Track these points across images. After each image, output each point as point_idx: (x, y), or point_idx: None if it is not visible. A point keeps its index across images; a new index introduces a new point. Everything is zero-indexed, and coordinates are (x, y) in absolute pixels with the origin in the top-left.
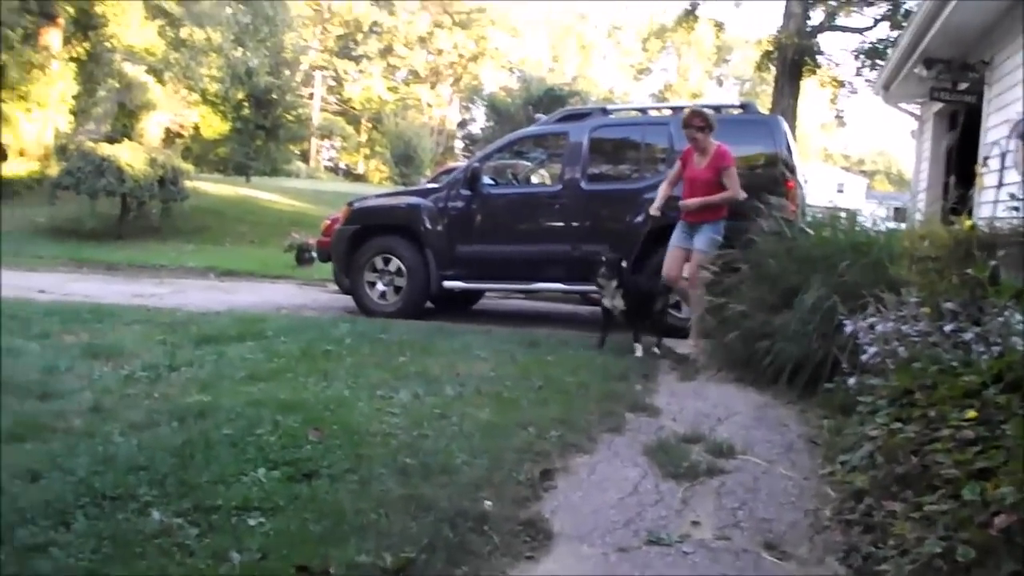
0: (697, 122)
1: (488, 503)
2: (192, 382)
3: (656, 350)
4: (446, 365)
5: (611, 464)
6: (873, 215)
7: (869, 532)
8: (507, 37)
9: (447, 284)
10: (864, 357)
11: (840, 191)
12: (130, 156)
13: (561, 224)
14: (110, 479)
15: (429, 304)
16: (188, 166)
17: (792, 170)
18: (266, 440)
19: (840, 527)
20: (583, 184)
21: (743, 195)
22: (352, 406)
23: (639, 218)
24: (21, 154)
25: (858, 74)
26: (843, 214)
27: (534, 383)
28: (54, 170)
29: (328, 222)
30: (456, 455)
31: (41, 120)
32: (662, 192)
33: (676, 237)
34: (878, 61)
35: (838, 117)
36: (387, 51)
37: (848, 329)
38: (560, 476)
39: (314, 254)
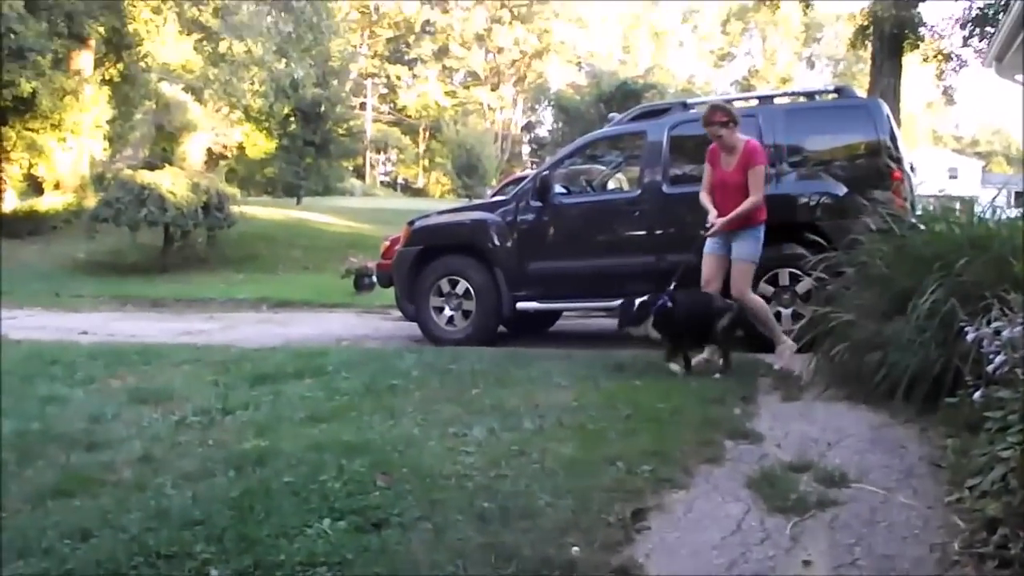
0: (719, 118)
1: (575, 549)
2: (248, 426)
3: (718, 370)
4: (523, 396)
5: (710, 499)
6: (992, 203)
7: (1005, 567)
8: (573, 29)
9: (520, 305)
10: (990, 367)
11: (953, 177)
12: (171, 182)
13: (642, 233)
14: (164, 535)
15: (502, 328)
16: (234, 189)
17: (897, 159)
18: (330, 487)
19: (972, 562)
20: (665, 188)
21: (760, 200)
22: (422, 446)
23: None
24: (57, 187)
25: (966, 45)
26: (958, 204)
27: (621, 412)
28: (92, 201)
29: (387, 243)
30: (538, 497)
31: (76, 149)
32: (706, 204)
33: (711, 243)
34: (988, 29)
35: (946, 94)
36: (442, 52)
37: (970, 336)
38: (654, 516)
39: (374, 279)
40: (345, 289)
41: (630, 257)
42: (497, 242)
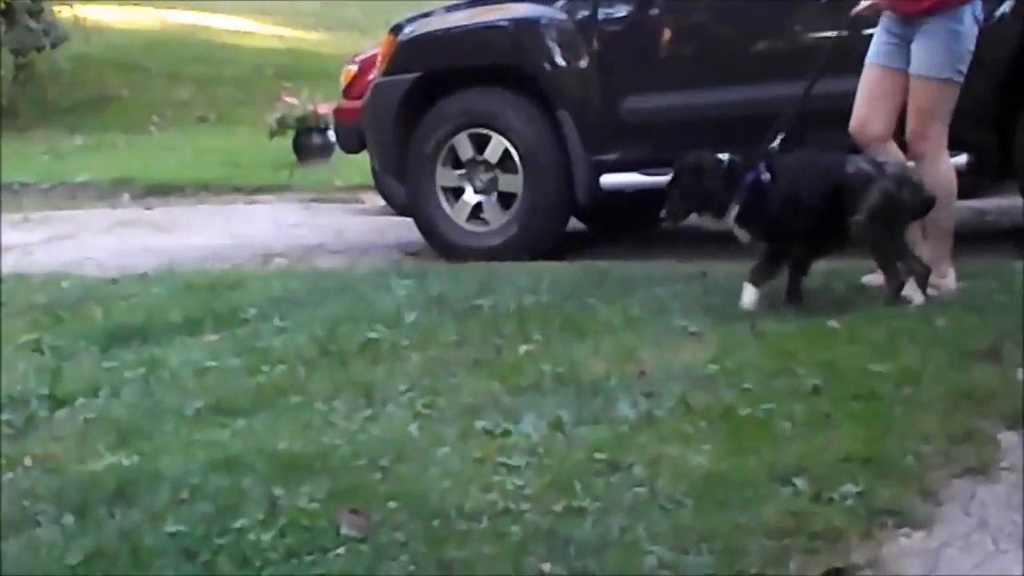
0: None
1: None
2: (99, 427)
3: (912, 296)
4: (615, 354)
5: (974, 549)
6: None
7: None
8: None
9: (609, 181)
10: None
11: None
12: None
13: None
14: None
15: (571, 226)
16: None
17: None
18: (253, 542)
19: None
20: None
21: None
22: (426, 457)
23: None
24: None
25: None
26: None
27: (801, 381)
28: None
29: (354, 69)
30: (644, 551)
31: None
32: None
33: (876, 47)
34: None
35: None
36: None
37: None
38: None
39: (331, 137)
40: (278, 157)
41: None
42: (561, 60)
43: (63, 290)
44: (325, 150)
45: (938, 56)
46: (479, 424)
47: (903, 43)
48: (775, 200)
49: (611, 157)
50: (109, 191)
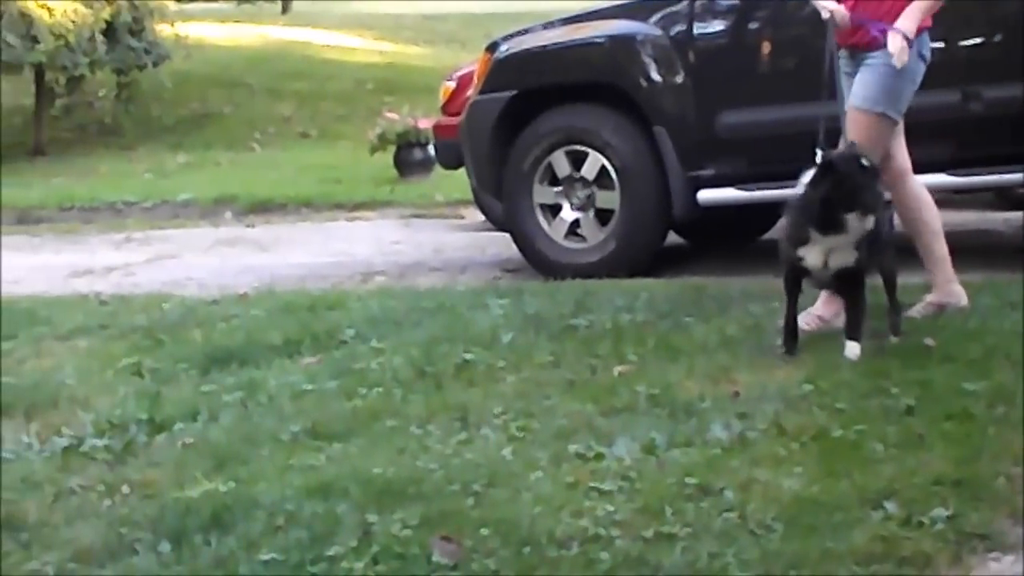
0: None
1: None
2: (196, 453)
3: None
4: (710, 374)
5: None
6: None
7: None
8: None
9: (705, 196)
10: None
11: None
12: None
13: (941, 49)
14: None
15: (670, 241)
16: None
17: None
18: (347, 570)
19: None
20: None
21: None
22: (519, 482)
23: None
24: None
25: None
26: None
27: (895, 401)
28: None
29: (452, 86)
30: None
31: None
32: None
33: (845, 92)
34: None
35: None
36: None
37: None
38: None
39: (431, 152)
40: (379, 173)
41: (941, 95)
42: (657, 76)
43: (164, 312)
44: (426, 165)
45: (874, 90)
46: (572, 448)
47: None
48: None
49: (708, 172)
50: (211, 209)
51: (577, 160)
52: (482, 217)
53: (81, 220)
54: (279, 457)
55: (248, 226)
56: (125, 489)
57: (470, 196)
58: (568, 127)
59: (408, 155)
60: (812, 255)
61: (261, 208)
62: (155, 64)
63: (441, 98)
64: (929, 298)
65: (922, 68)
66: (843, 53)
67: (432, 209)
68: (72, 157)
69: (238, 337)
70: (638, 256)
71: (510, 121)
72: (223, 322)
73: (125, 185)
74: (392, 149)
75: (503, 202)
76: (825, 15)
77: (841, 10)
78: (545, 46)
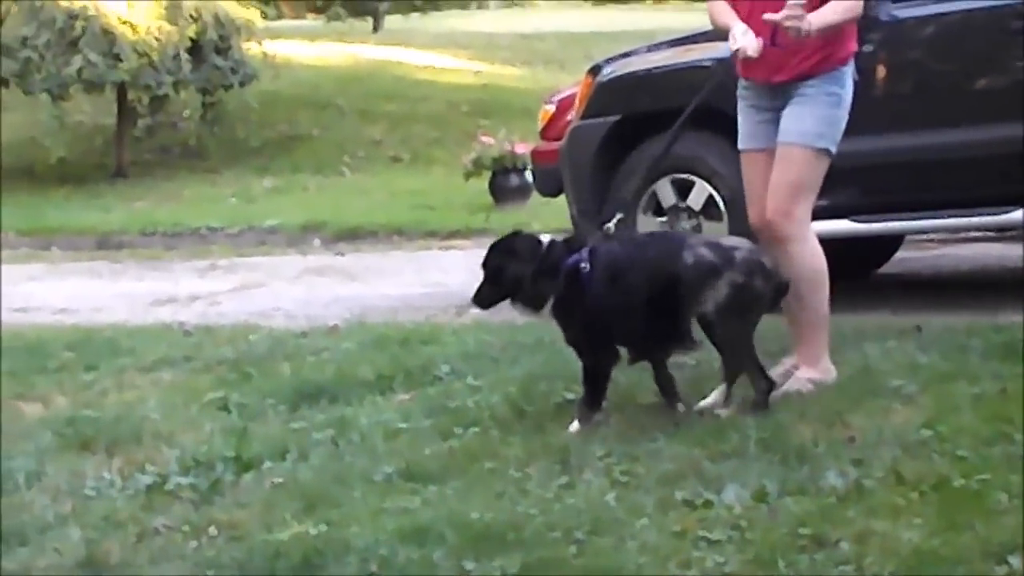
0: None
1: None
2: (286, 494)
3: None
4: (824, 418)
5: None
6: None
7: None
8: None
9: (817, 228)
10: None
11: None
12: (129, 8)
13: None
14: None
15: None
16: (251, 10)
17: None
18: None
19: None
20: None
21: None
22: (623, 529)
23: None
24: None
25: None
26: None
27: (1020, 448)
28: None
29: (552, 109)
30: None
31: None
32: (722, 17)
33: (748, 130)
34: None
35: None
36: None
37: None
38: None
39: (528, 178)
40: (473, 199)
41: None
42: None
43: (251, 344)
44: (522, 192)
45: (813, 123)
46: (679, 494)
47: (776, 117)
48: (593, 294)
49: (820, 203)
50: (299, 236)
51: (683, 189)
52: None
53: (164, 246)
54: (372, 499)
55: (337, 254)
56: (211, 530)
57: (569, 225)
58: (674, 155)
59: (504, 181)
60: None
61: (351, 235)
62: (241, 84)
63: (540, 122)
64: (803, 373)
65: (851, 95)
66: (756, 94)
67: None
68: (155, 180)
69: (328, 372)
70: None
71: (613, 147)
72: (312, 355)
73: (209, 210)
74: (487, 175)
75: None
76: (734, 46)
77: (754, 43)
78: (651, 69)
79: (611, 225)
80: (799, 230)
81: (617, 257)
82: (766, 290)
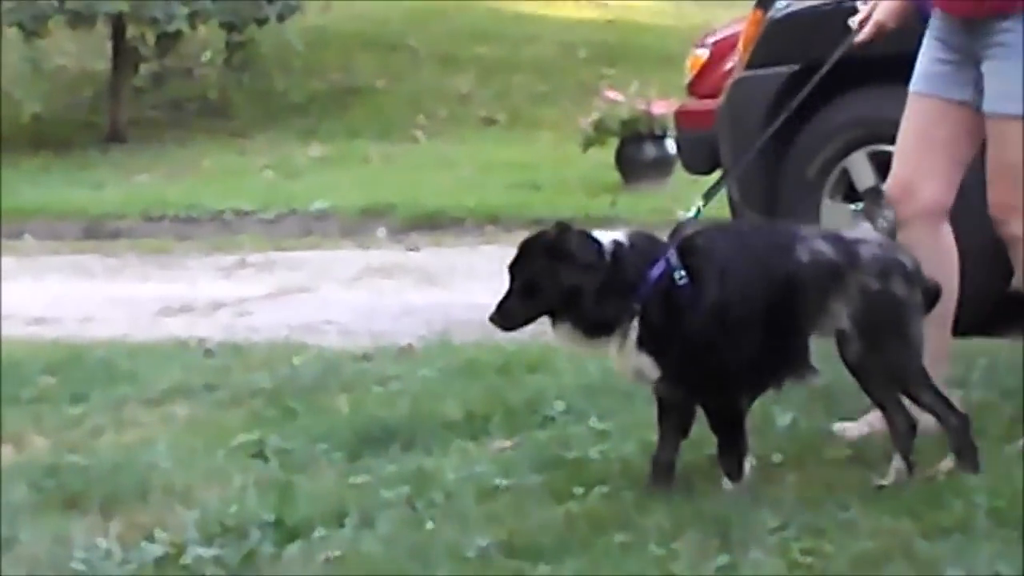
0: None
1: None
2: (346, 572)
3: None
4: None
5: None
6: None
7: None
8: None
9: None
10: None
11: None
12: None
13: None
14: None
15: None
16: None
17: None
18: None
19: None
20: None
21: None
22: None
23: None
24: None
25: None
26: None
27: None
28: None
29: (702, 55)
30: None
31: None
32: None
33: (923, 67)
34: None
35: None
36: None
37: None
38: None
39: (669, 146)
40: (595, 176)
41: None
42: None
43: (294, 369)
44: (662, 166)
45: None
46: None
47: (966, 62)
48: (699, 314)
49: None
50: (357, 224)
51: (885, 166)
52: None
53: (175, 235)
54: None
55: (410, 249)
56: None
57: (727, 212)
58: (873, 118)
59: (637, 152)
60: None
61: (428, 223)
62: (280, 17)
63: (688, 73)
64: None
65: None
66: (945, 26)
67: (671, 228)
68: (162, 146)
69: (400, 408)
70: (972, 306)
71: (791, 107)
72: (378, 386)
73: (236, 187)
74: (613, 143)
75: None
76: None
77: None
78: (842, 2)
79: (692, 213)
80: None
81: (721, 259)
82: (912, 298)
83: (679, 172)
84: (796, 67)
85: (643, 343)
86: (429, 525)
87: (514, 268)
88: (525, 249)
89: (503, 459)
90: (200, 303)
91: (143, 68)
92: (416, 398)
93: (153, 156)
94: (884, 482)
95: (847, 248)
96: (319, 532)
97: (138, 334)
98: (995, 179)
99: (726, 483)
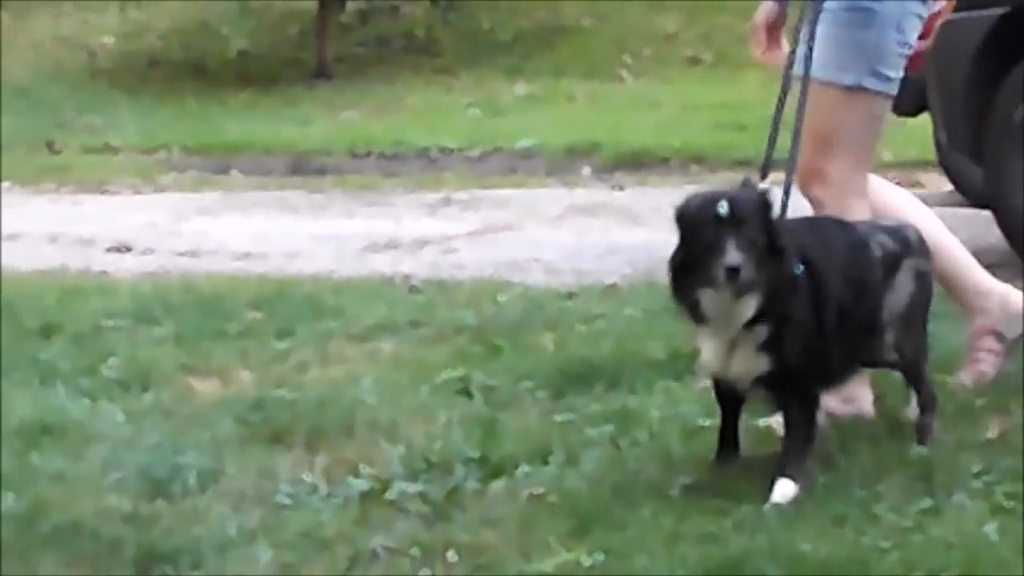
0: None
1: None
2: (550, 510)
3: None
4: None
5: None
6: None
7: None
8: None
9: None
10: None
11: None
12: None
13: None
14: None
15: None
16: None
17: None
18: None
19: None
20: None
21: None
22: (1008, 570)
23: None
24: None
25: None
26: None
27: None
28: None
29: None
30: None
31: None
32: None
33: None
34: None
35: None
36: None
37: None
38: None
39: None
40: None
41: None
42: None
43: (499, 306)
44: None
45: (846, 50)
46: None
47: None
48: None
49: None
50: (563, 162)
51: None
52: (950, 186)
53: (381, 172)
54: (666, 520)
55: (615, 187)
56: (450, 555)
57: (932, 156)
58: None
59: None
60: (707, 354)
61: (633, 163)
62: None
63: None
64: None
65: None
66: None
67: (877, 171)
68: (368, 83)
69: (605, 347)
70: None
71: (1001, 51)
72: (583, 324)
73: (442, 125)
74: None
75: (984, 167)
76: None
77: None
78: None
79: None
80: (836, 196)
81: (820, 251)
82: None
83: (889, 118)
84: (1005, 10)
85: (779, 324)
86: (632, 464)
87: (732, 214)
88: (739, 195)
89: (707, 399)
90: (405, 240)
91: (349, 5)
92: (620, 337)
93: (359, 93)
94: None
95: (898, 234)
96: (523, 469)
97: (343, 270)
98: (806, 142)
99: (788, 487)
